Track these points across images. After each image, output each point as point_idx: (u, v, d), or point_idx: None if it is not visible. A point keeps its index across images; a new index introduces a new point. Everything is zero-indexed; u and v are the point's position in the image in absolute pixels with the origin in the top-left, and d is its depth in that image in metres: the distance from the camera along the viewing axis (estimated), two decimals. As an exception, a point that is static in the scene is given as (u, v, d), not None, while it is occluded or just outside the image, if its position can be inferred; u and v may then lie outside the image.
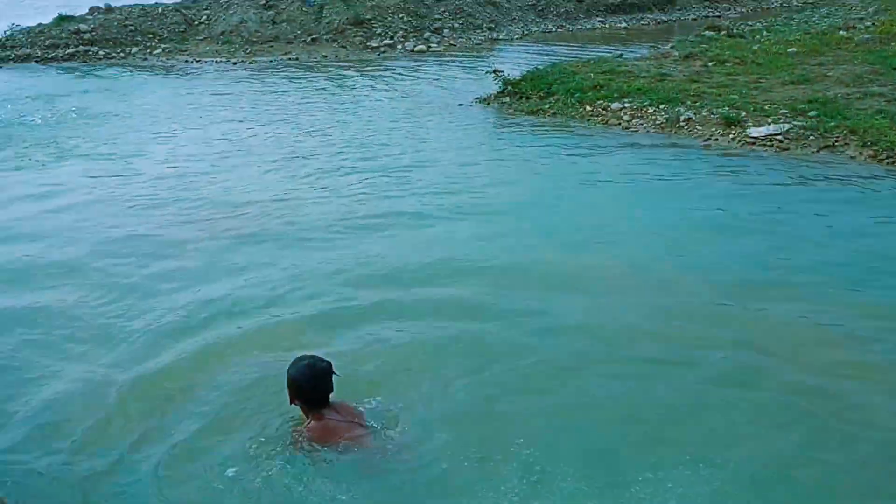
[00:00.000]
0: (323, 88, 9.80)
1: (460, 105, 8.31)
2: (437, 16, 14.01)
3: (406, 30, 13.34)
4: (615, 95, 7.51)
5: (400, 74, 10.71)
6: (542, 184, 5.59)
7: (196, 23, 13.29)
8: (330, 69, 11.23)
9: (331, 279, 3.93)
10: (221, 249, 4.39)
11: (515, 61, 11.15)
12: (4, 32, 12.74)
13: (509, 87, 8.19)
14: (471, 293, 3.72)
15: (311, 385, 2.61)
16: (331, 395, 2.65)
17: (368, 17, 13.29)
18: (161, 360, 3.25)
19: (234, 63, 11.93)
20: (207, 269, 4.11)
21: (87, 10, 13.44)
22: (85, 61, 12.12)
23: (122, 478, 2.56)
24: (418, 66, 11.41)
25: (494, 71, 8.68)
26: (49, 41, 12.29)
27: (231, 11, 13.32)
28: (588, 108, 7.43)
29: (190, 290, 3.84)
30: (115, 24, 12.81)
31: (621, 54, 10.36)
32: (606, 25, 16.52)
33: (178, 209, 5.14)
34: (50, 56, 12.17)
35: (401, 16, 13.58)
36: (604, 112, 7.30)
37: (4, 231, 4.84)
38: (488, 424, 2.76)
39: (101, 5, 13.42)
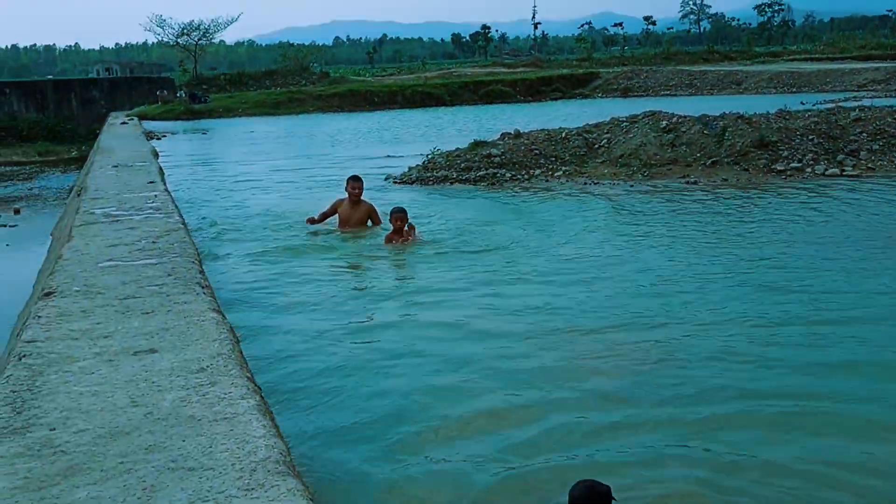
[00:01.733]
0: (723, 213, 11.76)
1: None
2: (853, 136, 15.37)
3: (816, 152, 14.92)
4: None
5: (810, 199, 12.25)
6: None
7: (596, 146, 16.44)
8: (728, 193, 13.21)
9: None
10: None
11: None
12: (427, 156, 17.15)
13: None
14: None
15: None
16: None
17: (774, 139, 15.17)
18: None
19: (632, 185, 14.61)
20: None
21: (498, 136, 17.53)
22: (493, 183, 15.76)
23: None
24: (832, 191, 12.84)
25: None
26: (464, 164, 16.24)
27: (631, 135, 16.23)
28: None
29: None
30: (522, 148, 16.44)
31: None
32: None
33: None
34: (463, 178, 16.06)
35: (811, 137, 15.23)
36: None
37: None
38: None
39: (511, 131, 17.42)
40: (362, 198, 11.12)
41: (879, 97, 31.65)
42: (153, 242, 8.16)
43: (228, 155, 24.82)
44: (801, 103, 23.98)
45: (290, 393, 6.08)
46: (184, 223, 9.23)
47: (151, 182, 12.65)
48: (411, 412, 5.73)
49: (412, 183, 16.20)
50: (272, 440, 3.71)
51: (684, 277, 8.34)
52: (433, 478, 4.85)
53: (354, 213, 10.97)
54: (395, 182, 16.50)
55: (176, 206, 10.29)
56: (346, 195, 11.11)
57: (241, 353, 5.24)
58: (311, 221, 11.28)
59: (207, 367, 4.67)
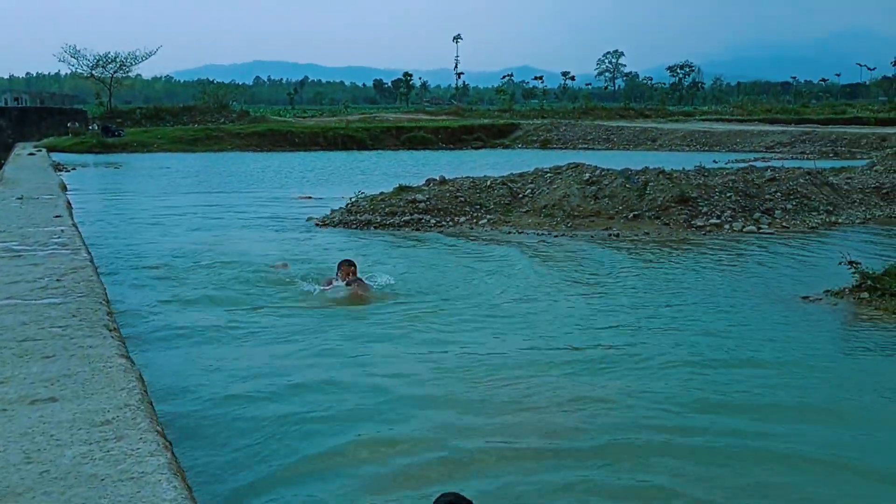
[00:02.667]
0: (644, 265, 11.90)
1: (804, 298, 9.73)
2: (767, 195, 15.86)
3: (734, 209, 15.31)
4: None
5: (728, 256, 12.52)
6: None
7: (520, 195, 16.50)
8: (650, 247, 13.41)
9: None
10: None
11: (861, 250, 12.45)
12: (351, 199, 16.91)
13: (868, 282, 9.41)
14: None
15: None
16: None
17: (694, 195, 15.52)
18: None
19: (556, 235, 14.67)
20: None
21: (423, 182, 17.43)
22: (417, 228, 15.62)
23: None
24: (747, 248, 13.14)
25: (850, 262, 10.00)
26: (388, 208, 16.06)
27: (555, 186, 16.37)
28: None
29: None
30: (448, 194, 16.38)
31: None
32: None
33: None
34: (387, 222, 15.87)
35: (728, 195, 15.64)
36: None
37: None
38: None
39: (437, 177, 17.35)
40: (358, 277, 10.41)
41: (786, 158, 33.11)
42: (58, 280, 7.66)
43: (142, 189, 24.05)
44: (714, 161, 24.83)
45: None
46: (91, 261, 8.73)
47: (58, 216, 12.04)
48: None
49: (335, 226, 15.92)
50: (185, 504, 3.37)
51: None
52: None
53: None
54: (318, 224, 16.19)
55: (83, 243, 9.76)
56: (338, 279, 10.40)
57: (151, 403, 4.86)
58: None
59: (113, 419, 4.29)
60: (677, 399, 6.36)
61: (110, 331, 6.29)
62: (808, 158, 33.19)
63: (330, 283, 10.22)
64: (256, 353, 7.61)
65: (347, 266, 10.22)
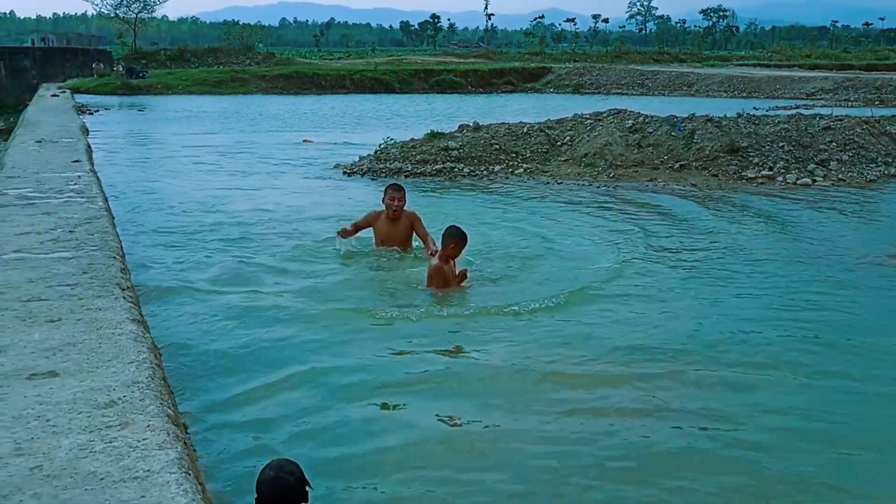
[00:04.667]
0: (691, 223, 11.11)
1: (892, 257, 8.98)
2: (822, 146, 14.98)
3: (787, 160, 14.47)
4: None
5: (787, 211, 11.76)
6: None
7: (559, 143, 15.76)
8: (700, 198, 12.66)
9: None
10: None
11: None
12: (380, 146, 16.24)
13: None
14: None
15: (269, 498, 3.14)
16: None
17: (744, 144, 14.69)
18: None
19: (598, 186, 13.96)
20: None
21: (456, 128, 16.70)
22: (451, 178, 14.95)
23: None
24: (807, 202, 12.37)
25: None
26: (420, 156, 15.40)
27: (595, 133, 15.59)
28: None
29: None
30: (482, 142, 15.67)
31: None
32: None
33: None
34: (419, 171, 15.22)
35: (781, 144, 14.79)
36: None
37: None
38: None
39: (470, 123, 16.61)
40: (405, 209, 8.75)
41: (830, 105, 31.80)
42: (70, 232, 7.15)
43: (166, 133, 23.50)
44: (755, 109, 23.77)
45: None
46: (108, 210, 8.22)
47: (76, 161, 11.54)
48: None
49: (363, 174, 15.31)
50: (197, 514, 2.85)
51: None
52: None
53: (395, 229, 8.68)
54: (345, 172, 15.59)
55: (101, 190, 9.25)
56: (384, 208, 8.77)
57: (164, 378, 4.34)
58: (344, 234, 8.81)
59: (119, 399, 3.78)
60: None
61: (123, 290, 5.77)
62: (852, 106, 31.92)
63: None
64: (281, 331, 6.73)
65: (395, 191, 8.62)
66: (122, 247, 7.06)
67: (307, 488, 3.22)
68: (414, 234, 8.75)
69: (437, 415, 5.17)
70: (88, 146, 13.78)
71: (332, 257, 8.87)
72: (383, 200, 8.68)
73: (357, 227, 8.87)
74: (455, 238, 7.45)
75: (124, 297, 5.55)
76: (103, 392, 3.82)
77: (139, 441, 3.35)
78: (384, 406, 5.30)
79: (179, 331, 6.57)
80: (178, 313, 6.98)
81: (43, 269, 5.98)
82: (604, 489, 4.29)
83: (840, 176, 14.26)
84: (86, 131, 17.35)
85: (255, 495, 3.22)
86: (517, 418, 5.10)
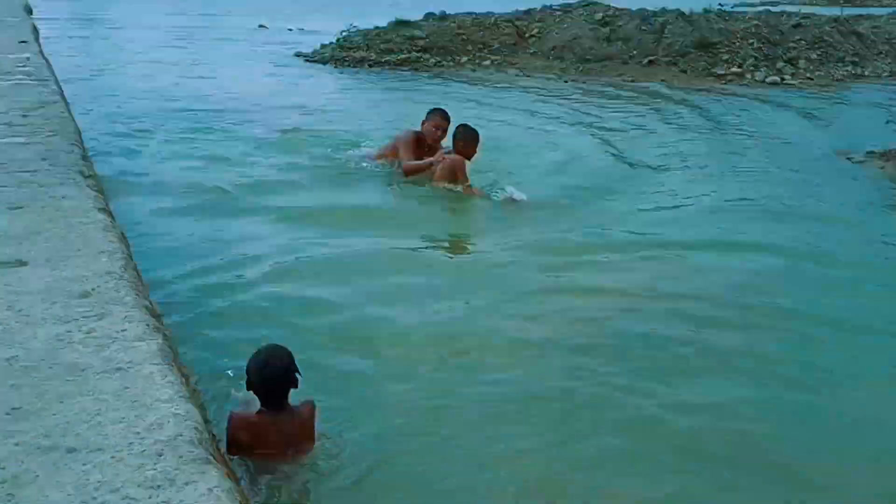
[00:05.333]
0: (667, 120, 11.04)
1: (848, 158, 9.06)
2: (791, 44, 14.89)
3: (756, 58, 14.38)
4: None
5: (758, 109, 11.72)
6: None
7: (527, 35, 15.41)
8: (671, 96, 12.57)
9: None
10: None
11: (891, 104, 11.72)
12: (342, 33, 15.74)
13: None
14: None
15: (260, 382, 3.15)
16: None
17: (714, 40, 14.53)
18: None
19: (566, 81, 13.76)
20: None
21: (422, 16, 16.21)
22: (417, 68, 14.61)
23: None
24: (776, 100, 12.35)
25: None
26: (384, 45, 14.98)
27: (565, 25, 15.27)
28: None
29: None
30: (449, 32, 15.28)
31: None
32: None
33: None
34: (384, 60, 14.83)
35: (751, 41, 14.65)
36: None
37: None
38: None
39: (437, 12, 16.13)
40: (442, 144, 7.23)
41: (798, 5, 31.47)
42: (24, 116, 6.82)
43: (116, 15, 22.45)
44: (719, 5, 23.35)
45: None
46: (62, 95, 7.84)
47: (23, 42, 10.95)
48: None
49: (325, 62, 14.88)
50: (183, 406, 2.79)
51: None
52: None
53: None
54: (307, 60, 15.13)
55: (53, 74, 8.80)
56: (417, 133, 7.34)
57: (138, 270, 4.22)
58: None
59: (93, 290, 3.65)
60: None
61: (86, 178, 5.55)
62: (817, 4, 31.59)
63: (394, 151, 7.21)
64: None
65: (442, 119, 7.18)
66: (80, 133, 6.78)
67: (296, 375, 3.21)
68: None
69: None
70: (35, 27, 13.10)
71: (302, 148, 8.54)
72: (423, 124, 7.25)
73: (381, 156, 7.49)
74: (465, 136, 6.88)
75: (88, 186, 5.35)
76: (76, 282, 3.69)
77: (118, 332, 3.26)
78: (371, 297, 5.12)
79: (146, 222, 6.30)
80: (142, 204, 6.70)
81: (-1, 155, 5.72)
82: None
83: (808, 75, 14.24)
84: (30, 11, 16.46)
85: (246, 379, 3.22)
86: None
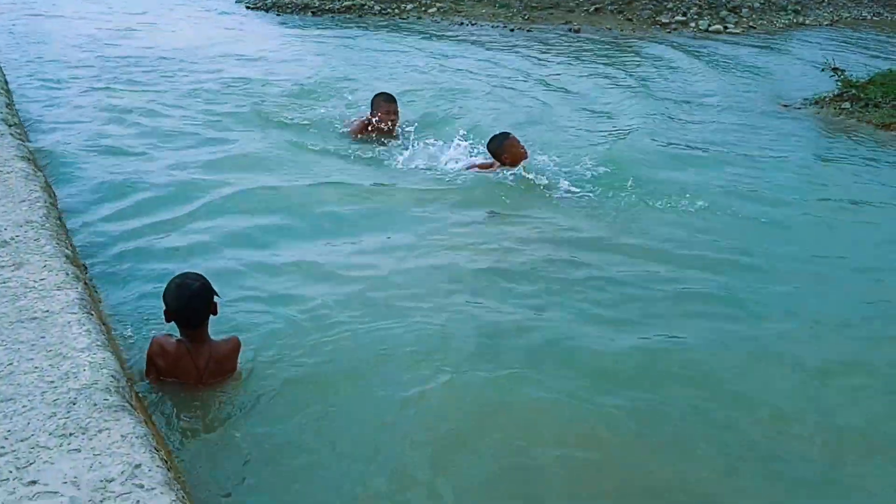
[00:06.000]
0: (619, 65, 10.99)
1: (784, 106, 9.16)
2: (735, -8, 14.95)
3: (700, 6, 14.40)
4: None
5: (699, 57, 11.75)
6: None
7: (473, -19, 15.21)
8: (618, 43, 12.53)
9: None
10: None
11: (828, 51, 11.81)
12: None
13: (852, 91, 8.74)
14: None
15: (176, 305, 3.10)
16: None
17: (660, -12, 14.51)
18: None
19: (512, 29, 13.61)
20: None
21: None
22: (360, 15, 14.36)
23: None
24: (718, 48, 12.38)
25: (834, 69, 9.35)
26: (328, -9, 14.67)
27: (510, -28, 15.09)
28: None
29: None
30: (393, -23, 15.01)
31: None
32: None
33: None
34: (326, 7, 14.55)
35: (695, -10, 14.68)
36: None
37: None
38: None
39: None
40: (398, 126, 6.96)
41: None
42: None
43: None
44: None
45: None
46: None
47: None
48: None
49: (268, 10, 14.54)
50: (100, 354, 2.77)
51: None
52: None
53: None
54: (248, 7, 14.78)
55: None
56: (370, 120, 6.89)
57: (61, 218, 4.14)
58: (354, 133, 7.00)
59: (11, 239, 3.59)
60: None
61: (9, 126, 5.41)
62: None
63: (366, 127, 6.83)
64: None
65: (388, 102, 6.85)
66: (5, 78, 6.56)
67: (215, 298, 3.18)
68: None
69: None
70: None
71: (251, 104, 7.94)
72: (372, 114, 6.85)
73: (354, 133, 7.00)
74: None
75: (11, 134, 5.22)
76: (-7, 232, 3.61)
77: (36, 281, 3.21)
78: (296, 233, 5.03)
79: (73, 167, 6.00)
80: (69, 150, 6.40)
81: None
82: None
83: (750, 23, 14.31)
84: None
85: (164, 310, 3.15)
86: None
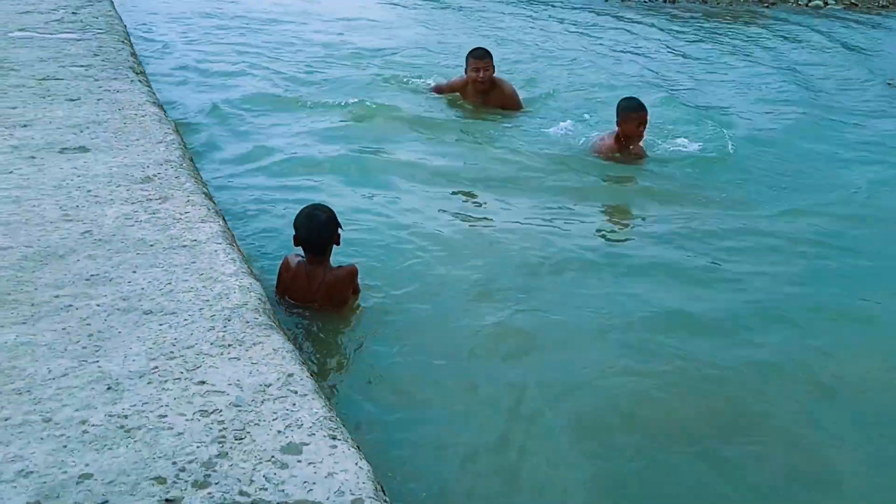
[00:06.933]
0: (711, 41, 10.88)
1: (889, 84, 9.02)
2: (837, -33, 14.53)
3: (800, -19, 14.09)
4: None
5: (802, 33, 11.47)
6: None
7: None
8: (713, 16, 12.39)
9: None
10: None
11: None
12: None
13: None
14: None
15: (304, 233, 3.47)
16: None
17: (759, -38, 14.21)
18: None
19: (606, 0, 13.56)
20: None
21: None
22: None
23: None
24: (818, 26, 12.10)
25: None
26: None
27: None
28: None
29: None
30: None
31: None
32: None
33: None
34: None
35: (795, -37, 14.33)
36: None
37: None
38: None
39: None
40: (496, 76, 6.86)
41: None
42: (74, 13, 7.02)
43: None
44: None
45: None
46: (109, -8, 7.97)
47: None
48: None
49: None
50: (247, 280, 3.03)
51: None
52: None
53: (485, 103, 6.82)
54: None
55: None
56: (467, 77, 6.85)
57: (192, 159, 4.44)
58: (438, 90, 7.17)
59: (154, 175, 3.88)
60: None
61: (136, 74, 5.76)
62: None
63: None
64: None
65: (478, 60, 6.72)
66: (127, 31, 6.95)
67: (339, 230, 3.54)
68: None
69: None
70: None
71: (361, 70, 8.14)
72: (467, 70, 6.81)
73: (439, 91, 7.13)
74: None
75: (140, 81, 5.55)
76: (138, 168, 3.92)
77: (181, 214, 3.49)
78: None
79: (192, 115, 6.44)
80: (188, 98, 6.82)
81: (53, 49, 5.92)
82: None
83: (852, 0, 13.96)
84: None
85: (293, 233, 3.54)
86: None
